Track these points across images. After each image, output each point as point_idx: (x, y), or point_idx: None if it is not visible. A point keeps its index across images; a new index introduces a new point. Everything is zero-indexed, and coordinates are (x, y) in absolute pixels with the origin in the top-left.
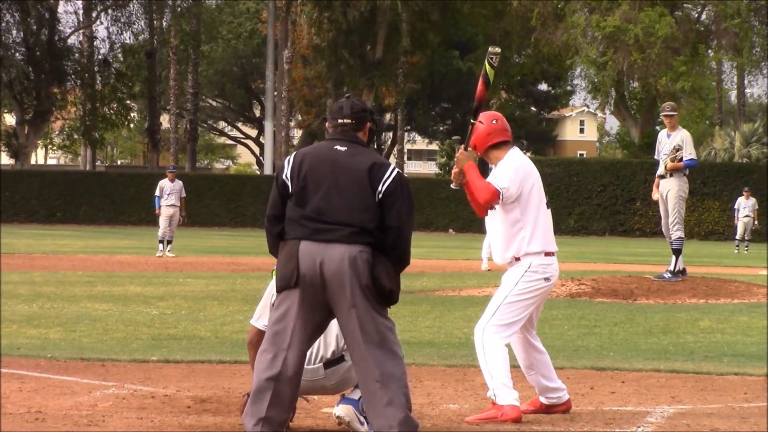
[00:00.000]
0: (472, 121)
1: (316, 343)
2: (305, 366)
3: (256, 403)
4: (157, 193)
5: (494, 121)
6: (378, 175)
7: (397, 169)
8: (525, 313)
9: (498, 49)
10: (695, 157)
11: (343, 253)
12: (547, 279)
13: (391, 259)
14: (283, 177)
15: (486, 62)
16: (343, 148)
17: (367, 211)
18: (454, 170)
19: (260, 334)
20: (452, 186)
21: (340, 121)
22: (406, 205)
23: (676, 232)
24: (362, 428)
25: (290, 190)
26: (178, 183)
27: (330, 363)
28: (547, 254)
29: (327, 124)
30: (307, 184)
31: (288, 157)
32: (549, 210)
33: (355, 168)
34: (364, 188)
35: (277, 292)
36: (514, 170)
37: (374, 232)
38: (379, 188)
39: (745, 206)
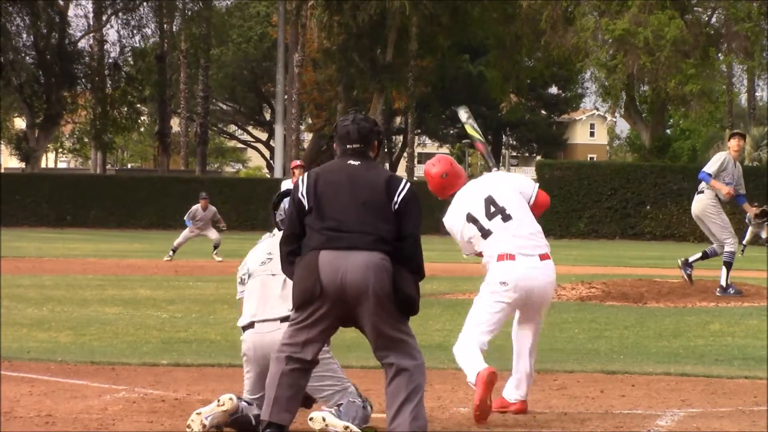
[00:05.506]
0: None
1: None
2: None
3: (269, 404)
4: (186, 217)
5: (444, 175)
6: (393, 187)
7: (409, 183)
8: (491, 318)
9: (465, 108)
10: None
11: (365, 260)
12: (503, 283)
13: (409, 270)
14: (299, 195)
15: (465, 126)
16: (357, 162)
17: (385, 221)
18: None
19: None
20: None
21: (348, 146)
22: (419, 217)
23: (722, 246)
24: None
25: (306, 207)
26: (211, 210)
27: None
28: (501, 257)
29: (335, 145)
30: (324, 197)
31: (302, 177)
32: (513, 219)
33: (371, 181)
34: (382, 199)
35: (295, 308)
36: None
37: (392, 243)
38: (395, 199)
39: None
